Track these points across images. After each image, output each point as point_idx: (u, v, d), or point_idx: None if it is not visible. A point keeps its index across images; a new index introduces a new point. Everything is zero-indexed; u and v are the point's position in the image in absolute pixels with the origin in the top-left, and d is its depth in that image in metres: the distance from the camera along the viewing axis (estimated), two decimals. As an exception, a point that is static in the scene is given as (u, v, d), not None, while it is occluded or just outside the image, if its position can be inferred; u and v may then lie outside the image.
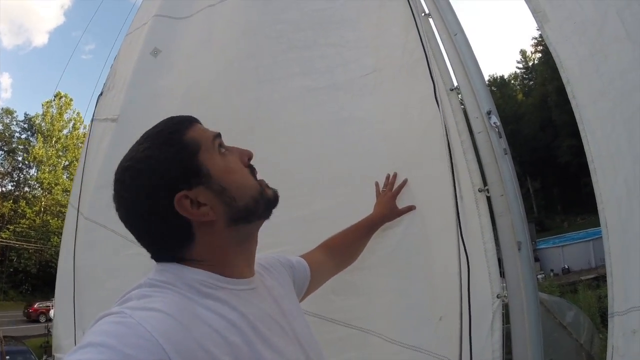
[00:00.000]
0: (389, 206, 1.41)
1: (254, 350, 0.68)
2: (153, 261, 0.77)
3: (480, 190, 1.28)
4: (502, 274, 1.22)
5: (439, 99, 1.37)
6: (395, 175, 1.45)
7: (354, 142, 1.57)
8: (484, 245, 1.25)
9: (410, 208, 1.42)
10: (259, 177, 0.83)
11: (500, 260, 1.22)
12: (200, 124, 0.81)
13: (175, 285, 0.69)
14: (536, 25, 1.40)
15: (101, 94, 2.35)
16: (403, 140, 1.49)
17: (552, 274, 13.81)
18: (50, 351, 2.40)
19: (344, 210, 1.45)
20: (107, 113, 2.25)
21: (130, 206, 0.75)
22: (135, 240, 2.03)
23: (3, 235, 27.74)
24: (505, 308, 1.21)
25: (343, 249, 1.31)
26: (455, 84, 1.40)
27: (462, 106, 1.40)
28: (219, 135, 0.79)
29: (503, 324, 1.19)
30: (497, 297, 1.17)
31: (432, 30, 1.49)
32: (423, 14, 1.51)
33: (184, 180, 0.72)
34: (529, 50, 41.04)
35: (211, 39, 1.94)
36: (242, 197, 0.76)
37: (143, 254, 1.92)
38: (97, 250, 2.04)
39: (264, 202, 0.79)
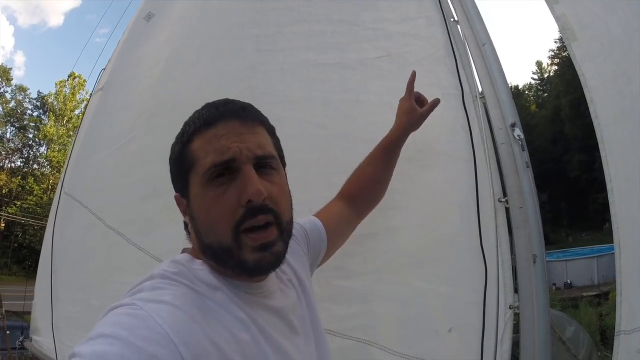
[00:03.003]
0: (409, 108, 1.19)
1: (260, 349, 0.67)
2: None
3: (500, 201, 1.28)
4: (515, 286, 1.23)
5: (466, 104, 1.36)
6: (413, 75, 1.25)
7: (359, 127, 1.43)
8: (500, 256, 1.25)
9: (435, 103, 1.21)
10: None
11: (514, 272, 1.23)
12: (234, 119, 0.70)
13: (187, 279, 0.67)
14: (555, 38, 1.41)
15: (104, 68, 2.34)
16: (416, 133, 1.38)
17: (554, 287, 13.72)
18: (27, 332, 2.31)
19: None
20: (101, 84, 2.22)
21: None
22: (104, 219, 1.88)
23: (10, 211, 28.06)
24: (516, 319, 1.22)
25: (365, 191, 1.16)
26: (481, 92, 1.39)
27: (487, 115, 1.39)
28: (225, 163, 0.67)
29: (512, 335, 1.21)
30: (510, 307, 1.18)
31: (460, 35, 1.46)
32: (452, 20, 1.49)
33: (177, 186, 0.75)
34: (545, 62, 40.80)
35: (208, 2, 1.86)
36: (207, 236, 0.69)
37: (109, 235, 1.80)
38: (72, 228, 2.01)
39: (235, 262, 0.68)
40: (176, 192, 0.75)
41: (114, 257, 1.78)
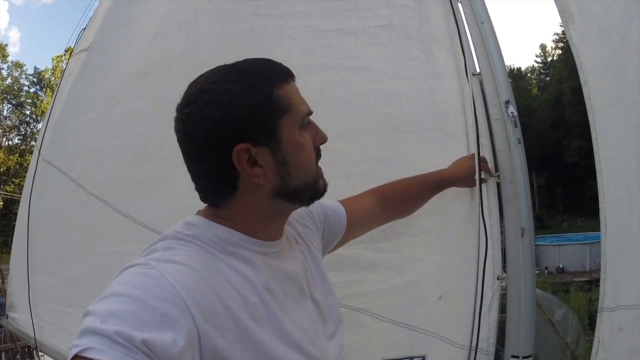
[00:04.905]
0: (469, 173, 1.30)
1: (270, 312, 0.68)
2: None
3: (491, 175, 1.32)
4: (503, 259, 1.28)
5: (469, 80, 1.38)
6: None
7: (359, 94, 1.45)
8: (490, 228, 1.29)
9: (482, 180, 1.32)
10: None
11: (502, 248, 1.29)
12: (295, 80, 0.76)
13: (200, 240, 0.68)
14: (560, 23, 1.43)
15: (84, 28, 2.19)
16: (413, 104, 1.43)
17: (546, 271, 13.90)
18: (2, 309, 2.20)
19: (333, 170, 1.25)
20: (83, 45, 2.10)
21: (190, 130, 0.69)
22: (85, 186, 1.80)
23: (8, 189, 28.03)
24: (502, 299, 1.27)
25: (401, 201, 1.25)
26: (478, 70, 1.41)
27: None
28: (310, 113, 0.76)
29: (499, 306, 1.27)
30: (497, 278, 1.24)
31: (460, 13, 1.47)
32: None
33: (254, 134, 0.68)
34: (549, 45, 40.41)
35: None
36: (297, 177, 0.73)
37: (90, 202, 1.74)
38: (50, 196, 1.92)
39: (312, 192, 0.76)
40: (242, 142, 0.67)
41: (95, 225, 1.72)
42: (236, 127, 0.67)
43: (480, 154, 1.32)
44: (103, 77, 1.94)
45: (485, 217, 1.29)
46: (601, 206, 1.28)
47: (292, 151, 0.71)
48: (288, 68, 0.75)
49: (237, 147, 0.67)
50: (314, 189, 0.77)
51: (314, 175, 0.76)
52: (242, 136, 0.67)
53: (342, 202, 1.09)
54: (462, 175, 1.31)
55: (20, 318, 2.01)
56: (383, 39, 1.47)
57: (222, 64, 0.74)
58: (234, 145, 0.67)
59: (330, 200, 1.06)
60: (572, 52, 1.36)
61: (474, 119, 1.34)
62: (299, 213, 0.91)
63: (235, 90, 0.67)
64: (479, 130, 1.35)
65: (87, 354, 0.49)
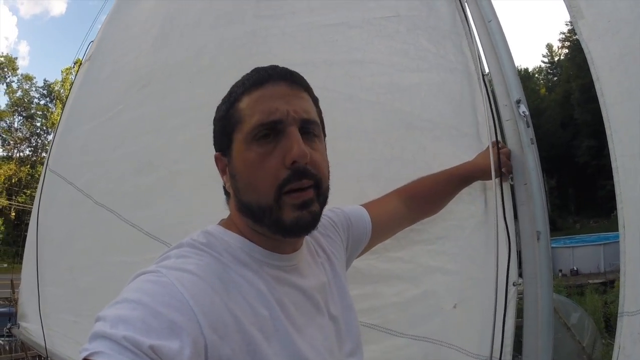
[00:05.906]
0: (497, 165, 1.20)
1: (279, 327, 0.67)
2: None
3: (510, 173, 1.25)
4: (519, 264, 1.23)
5: (480, 81, 1.32)
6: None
7: (366, 88, 1.38)
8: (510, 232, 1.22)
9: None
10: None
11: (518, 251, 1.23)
12: (282, 82, 0.71)
13: (214, 250, 0.68)
14: (566, 21, 1.39)
15: (93, 40, 2.24)
16: (425, 99, 1.36)
17: (560, 274, 13.70)
18: (14, 319, 2.23)
19: (341, 172, 1.21)
20: (89, 54, 2.14)
21: None
22: (93, 195, 1.80)
23: (19, 200, 28.50)
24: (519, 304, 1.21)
25: (427, 199, 1.20)
26: (487, 69, 1.35)
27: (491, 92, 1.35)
28: (272, 124, 0.68)
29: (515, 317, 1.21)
30: (513, 284, 1.18)
31: (467, 13, 1.41)
32: None
33: (222, 146, 0.75)
34: (556, 45, 40.24)
35: None
36: (245, 194, 0.70)
37: (98, 212, 1.73)
38: (57, 206, 1.93)
39: (270, 220, 0.68)
40: (217, 151, 0.77)
41: (104, 235, 1.72)
42: (215, 136, 0.78)
43: (502, 149, 1.25)
44: (102, 84, 1.95)
45: (507, 220, 1.22)
46: (619, 206, 1.23)
47: (237, 166, 0.71)
48: (270, 71, 0.72)
49: (215, 154, 0.77)
50: (274, 219, 0.68)
51: (267, 199, 0.67)
52: (218, 144, 0.77)
53: (366, 205, 1.06)
54: (489, 167, 1.19)
55: (31, 327, 2.03)
56: (390, 31, 1.41)
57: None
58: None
59: (353, 205, 1.04)
60: (583, 47, 1.32)
61: (488, 119, 1.28)
62: (322, 223, 0.87)
63: (218, 107, 0.77)
64: (491, 131, 1.28)
65: (95, 358, 0.50)
